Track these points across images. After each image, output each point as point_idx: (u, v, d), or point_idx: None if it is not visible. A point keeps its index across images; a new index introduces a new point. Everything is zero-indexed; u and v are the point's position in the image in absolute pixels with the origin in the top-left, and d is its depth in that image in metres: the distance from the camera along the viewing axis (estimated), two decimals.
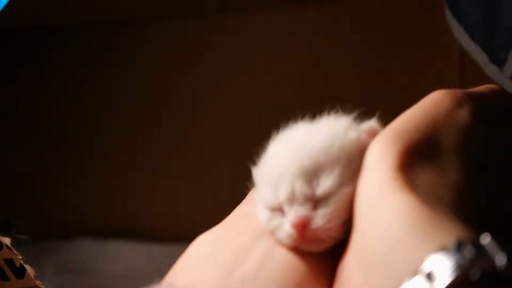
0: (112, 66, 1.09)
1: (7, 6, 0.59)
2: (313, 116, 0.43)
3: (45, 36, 1.08)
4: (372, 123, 0.39)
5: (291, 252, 0.36)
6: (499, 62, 0.63)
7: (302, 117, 0.42)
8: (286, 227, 0.35)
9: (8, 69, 1.07)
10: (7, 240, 0.53)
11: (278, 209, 0.37)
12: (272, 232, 0.37)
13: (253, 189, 0.43)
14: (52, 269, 0.98)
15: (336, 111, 0.41)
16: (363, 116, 0.41)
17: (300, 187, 0.36)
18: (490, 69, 0.65)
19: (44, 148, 1.11)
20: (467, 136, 0.35)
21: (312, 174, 0.36)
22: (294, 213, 0.35)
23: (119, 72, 1.09)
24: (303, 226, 0.35)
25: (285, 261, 0.35)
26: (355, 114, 0.40)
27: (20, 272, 0.53)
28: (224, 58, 1.07)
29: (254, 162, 0.41)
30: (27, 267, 0.54)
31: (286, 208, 0.36)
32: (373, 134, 0.37)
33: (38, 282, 0.54)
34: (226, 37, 1.07)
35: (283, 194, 0.36)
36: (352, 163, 0.36)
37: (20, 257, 0.53)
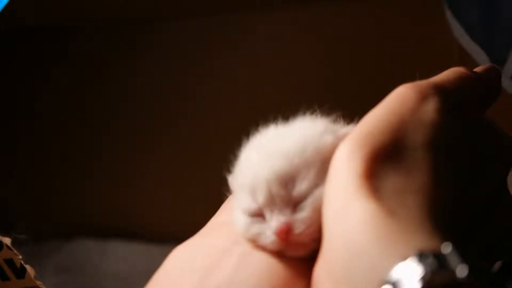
0: (112, 67, 1.09)
1: (7, 6, 0.59)
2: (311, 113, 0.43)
3: (45, 36, 1.08)
4: (348, 129, 0.39)
5: (268, 256, 0.36)
6: (499, 62, 0.63)
7: (284, 118, 0.42)
8: (268, 234, 0.36)
9: (8, 69, 1.07)
10: (7, 240, 0.53)
11: (258, 214, 0.37)
12: (253, 239, 0.36)
13: (228, 198, 0.43)
14: (52, 269, 0.98)
15: (313, 112, 0.42)
16: (344, 117, 0.41)
17: (277, 191, 0.36)
18: None
19: (44, 148, 1.11)
20: (434, 132, 0.34)
21: (288, 177, 0.36)
22: (275, 221, 0.35)
23: (119, 72, 1.09)
24: (286, 233, 0.35)
25: (261, 266, 0.35)
26: (333, 116, 0.41)
27: (20, 272, 0.53)
28: (224, 58, 1.07)
29: (228, 170, 0.41)
30: (27, 267, 0.54)
31: (266, 213, 0.36)
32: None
33: (38, 282, 0.54)
34: (226, 37, 1.07)
35: (261, 199, 0.36)
36: (327, 166, 0.35)
37: (20, 257, 0.53)
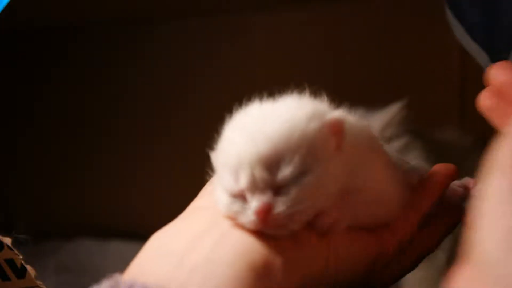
0: (112, 66, 1.09)
1: (7, 6, 0.59)
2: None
3: (45, 36, 1.08)
4: (337, 115, 0.39)
5: (246, 234, 0.36)
6: None
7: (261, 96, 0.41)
8: (248, 213, 0.36)
9: (8, 69, 1.07)
10: (8, 240, 0.53)
11: (239, 195, 0.37)
12: (234, 217, 0.37)
13: (208, 182, 0.44)
14: (52, 268, 0.98)
15: (301, 91, 0.42)
16: (330, 99, 0.41)
17: (260, 174, 0.36)
18: None
19: (44, 148, 1.11)
20: None
21: (272, 161, 0.36)
22: (256, 201, 0.36)
23: (119, 72, 1.09)
24: (265, 213, 0.35)
25: (239, 244, 0.36)
26: (320, 96, 0.41)
27: (21, 272, 0.53)
28: (224, 58, 1.07)
29: (211, 147, 0.41)
30: (28, 267, 0.54)
31: (248, 195, 0.36)
32: (336, 129, 0.37)
33: (38, 282, 0.54)
34: (226, 37, 1.07)
35: (243, 182, 0.36)
36: (312, 152, 0.36)
37: (21, 257, 0.53)
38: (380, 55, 1.03)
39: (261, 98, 0.41)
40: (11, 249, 0.52)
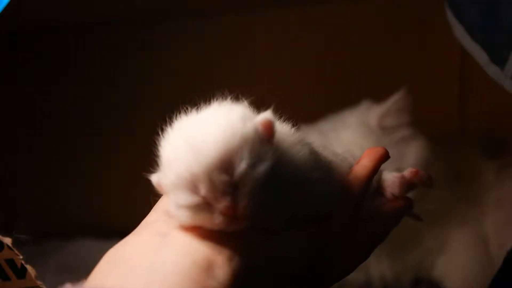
0: (111, 66, 1.09)
1: (7, 6, 0.59)
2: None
3: (45, 36, 1.08)
4: (267, 115, 0.43)
5: (189, 237, 0.40)
6: (500, 62, 0.63)
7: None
8: (215, 216, 0.40)
9: (8, 69, 1.07)
10: (8, 240, 0.53)
11: (199, 205, 0.40)
12: (200, 224, 0.40)
13: (159, 200, 0.47)
14: (52, 269, 0.97)
15: (221, 98, 0.47)
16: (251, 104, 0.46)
17: (219, 179, 0.39)
18: (491, 69, 0.65)
19: (45, 149, 1.11)
20: None
21: (225, 164, 0.39)
22: (222, 202, 0.39)
23: (119, 72, 1.09)
24: (233, 210, 0.39)
25: (183, 246, 0.40)
26: (244, 102, 0.46)
27: (21, 272, 0.53)
28: (224, 58, 1.07)
29: (150, 171, 0.44)
30: (28, 267, 0.54)
31: (211, 201, 0.40)
32: (268, 127, 0.42)
33: (39, 282, 0.54)
34: (226, 37, 1.07)
35: (204, 190, 0.40)
36: (256, 148, 0.40)
37: (21, 257, 0.53)
38: (380, 55, 1.03)
39: (185, 110, 0.46)
40: (11, 249, 0.52)
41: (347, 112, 0.90)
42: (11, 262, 0.53)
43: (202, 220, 0.40)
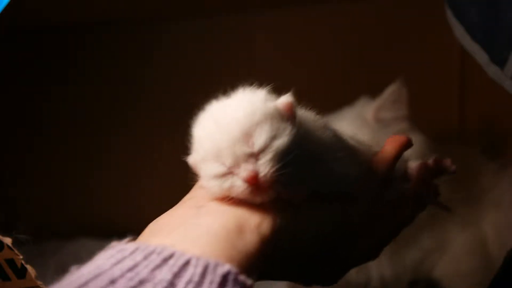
0: (111, 66, 1.09)
1: (7, 6, 0.59)
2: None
3: (45, 36, 1.08)
4: (287, 98, 0.48)
5: (222, 207, 0.45)
6: (500, 62, 0.63)
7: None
8: (239, 183, 0.45)
9: (8, 69, 1.07)
10: (8, 240, 0.53)
11: (227, 174, 0.45)
12: (228, 194, 0.45)
13: (195, 185, 0.52)
14: (52, 269, 0.97)
15: (250, 85, 0.51)
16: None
17: (240, 149, 0.45)
18: (491, 69, 0.65)
19: (45, 149, 1.11)
20: None
21: (246, 137, 0.45)
22: (244, 171, 0.44)
23: (119, 72, 1.09)
24: (253, 178, 0.44)
25: (216, 214, 0.44)
26: (268, 88, 0.50)
27: (21, 272, 0.53)
28: (224, 58, 1.07)
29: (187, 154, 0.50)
30: (28, 267, 0.54)
31: (235, 170, 0.45)
32: (288, 107, 0.47)
33: (39, 282, 0.54)
34: (226, 37, 1.07)
35: (228, 161, 0.45)
36: (275, 124, 0.46)
37: (21, 257, 0.53)
38: (380, 55, 1.03)
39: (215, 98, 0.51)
40: (11, 249, 0.52)
41: (346, 108, 0.90)
42: (11, 262, 0.53)
43: (229, 189, 0.45)
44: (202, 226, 0.43)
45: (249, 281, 0.40)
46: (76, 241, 1.07)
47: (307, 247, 0.48)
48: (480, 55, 0.66)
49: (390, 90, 0.87)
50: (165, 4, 1.03)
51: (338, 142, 0.51)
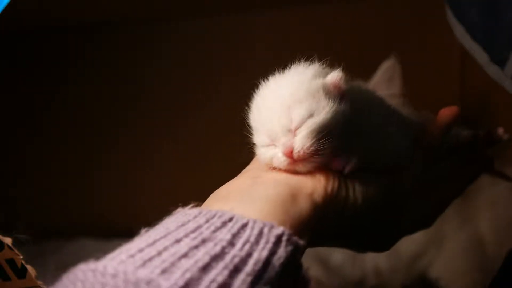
0: (112, 66, 1.09)
1: (7, 6, 0.59)
2: None
3: (45, 36, 1.08)
4: (336, 75, 0.52)
5: (277, 176, 0.49)
6: (501, 62, 0.63)
7: None
8: (279, 155, 0.49)
9: (8, 70, 1.07)
10: (8, 240, 0.53)
11: (271, 144, 0.50)
12: (271, 162, 0.50)
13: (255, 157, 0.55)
14: (53, 269, 0.97)
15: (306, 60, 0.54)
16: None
17: (280, 124, 0.49)
18: (491, 69, 0.65)
19: (45, 149, 1.11)
20: None
21: (286, 113, 0.49)
22: (281, 145, 0.48)
23: (119, 72, 1.09)
24: (290, 151, 0.48)
25: (271, 183, 0.48)
26: (321, 62, 0.54)
27: (21, 272, 0.53)
28: (224, 58, 1.07)
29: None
30: (28, 267, 0.54)
31: (276, 143, 0.49)
32: (336, 84, 0.51)
33: (39, 282, 0.54)
34: (226, 37, 1.07)
35: (270, 133, 0.49)
36: (317, 102, 0.49)
37: (21, 257, 0.53)
38: (380, 55, 1.03)
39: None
40: (11, 249, 0.53)
41: None
42: (11, 262, 0.53)
43: (271, 158, 0.50)
44: (259, 194, 0.46)
45: (301, 242, 0.43)
46: (76, 241, 1.07)
47: (359, 215, 0.51)
48: (480, 55, 0.66)
49: (384, 67, 0.86)
50: (165, 4, 1.03)
51: (391, 117, 0.54)
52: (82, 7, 1.00)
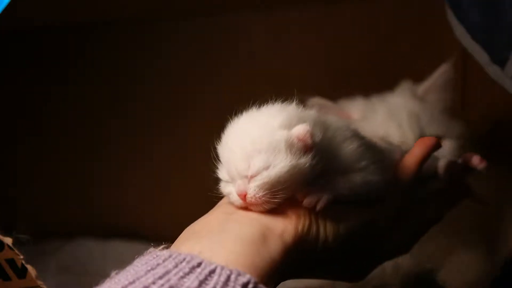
0: (112, 66, 1.09)
1: (7, 6, 0.59)
2: None
3: (45, 36, 1.08)
4: (302, 129, 0.51)
5: (248, 215, 0.50)
6: (501, 62, 0.63)
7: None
8: (234, 194, 0.51)
9: (8, 69, 1.07)
10: (8, 240, 0.53)
11: (229, 182, 0.52)
12: (229, 198, 0.52)
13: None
14: (53, 269, 0.98)
15: (286, 100, 0.55)
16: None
17: (239, 168, 0.51)
18: (492, 69, 0.65)
19: (45, 149, 1.11)
20: None
21: (245, 160, 0.50)
22: (237, 187, 0.50)
23: (119, 72, 1.09)
24: (243, 195, 0.50)
25: (242, 222, 0.49)
26: (300, 105, 0.54)
27: (21, 272, 0.53)
28: (224, 58, 1.07)
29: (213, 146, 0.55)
30: (29, 267, 0.54)
31: (234, 182, 0.51)
32: (301, 140, 0.50)
33: (39, 282, 0.54)
34: (226, 37, 1.07)
35: (231, 174, 0.51)
36: (275, 155, 0.50)
37: (21, 257, 0.53)
38: (380, 55, 1.03)
39: (259, 104, 0.54)
40: (12, 249, 0.52)
41: (388, 93, 0.90)
42: (11, 262, 0.53)
43: (228, 192, 0.52)
44: (230, 233, 0.47)
45: None
46: (76, 241, 1.07)
47: (331, 251, 0.51)
48: (480, 55, 0.66)
49: (439, 72, 0.85)
50: (165, 4, 1.03)
51: (364, 151, 0.55)
52: (82, 7, 1.00)
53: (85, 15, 1.04)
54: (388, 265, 0.91)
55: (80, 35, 1.09)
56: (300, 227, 0.49)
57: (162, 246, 0.47)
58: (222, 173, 0.53)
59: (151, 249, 0.47)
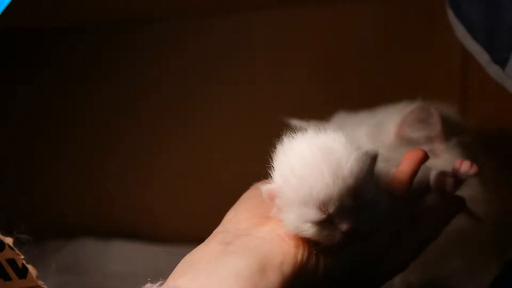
0: (112, 66, 1.09)
1: (7, 6, 0.59)
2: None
3: (45, 36, 1.08)
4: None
5: (250, 244, 0.48)
6: (502, 62, 0.63)
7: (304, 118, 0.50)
8: (337, 233, 0.47)
9: (8, 69, 1.07)
10: (9, 240, 0.53)
11: (324, 221, 0.47)
12: (321, 240, 0.48)
13: (229, 211, 0.54)
14: (54, 269, 0.97)
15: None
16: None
17: (347, 203, 0.46)
18: (492, 69, 0.65)
19: (44, 148, 1.11)
20: None
21: (354, 193, 0.46)
22: (346, 224, 0.47)
23: (119, 72, 1.09)
24: (353, 231, 0.47)
25: (242, 253, 0.47)
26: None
27: (22, 272, 0.53)
28: (224, 58, 1.07)
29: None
30: (29, 267, 0.54)
31: (335, 219, 0.47)
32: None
33: (40, 282, 0.54)
34: (226, 37, 1.07)
35: (332, 210, 0.46)
36: (379, 181, 0.50)
37: (22, 257, 0.53)
38: (380, 56, 1.03)
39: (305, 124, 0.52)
40: (12, 249, 0.53)
41: (364, 113, 0.84)
42: (12, 262, 0.53)
43: (323, 235, 0.48)
44: (227, 266, 0.46)
45: None
46: (77, 241, 1.07)
47: (331, 278, 0.50)
48: (481, 55, 0.66)
49: (411, 109, 0.77)
50: (165, 4, 1.02)
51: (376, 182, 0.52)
52: (82, 7, 1.00)
53: (85, 15, 1.04)
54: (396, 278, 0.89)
55: (80, 35, 1.09)
56: (299, 257, 0.48)
57: (159, 282, 0.46)
58: (307, 213, 0.48)
59: (148, 284, 0.46)
